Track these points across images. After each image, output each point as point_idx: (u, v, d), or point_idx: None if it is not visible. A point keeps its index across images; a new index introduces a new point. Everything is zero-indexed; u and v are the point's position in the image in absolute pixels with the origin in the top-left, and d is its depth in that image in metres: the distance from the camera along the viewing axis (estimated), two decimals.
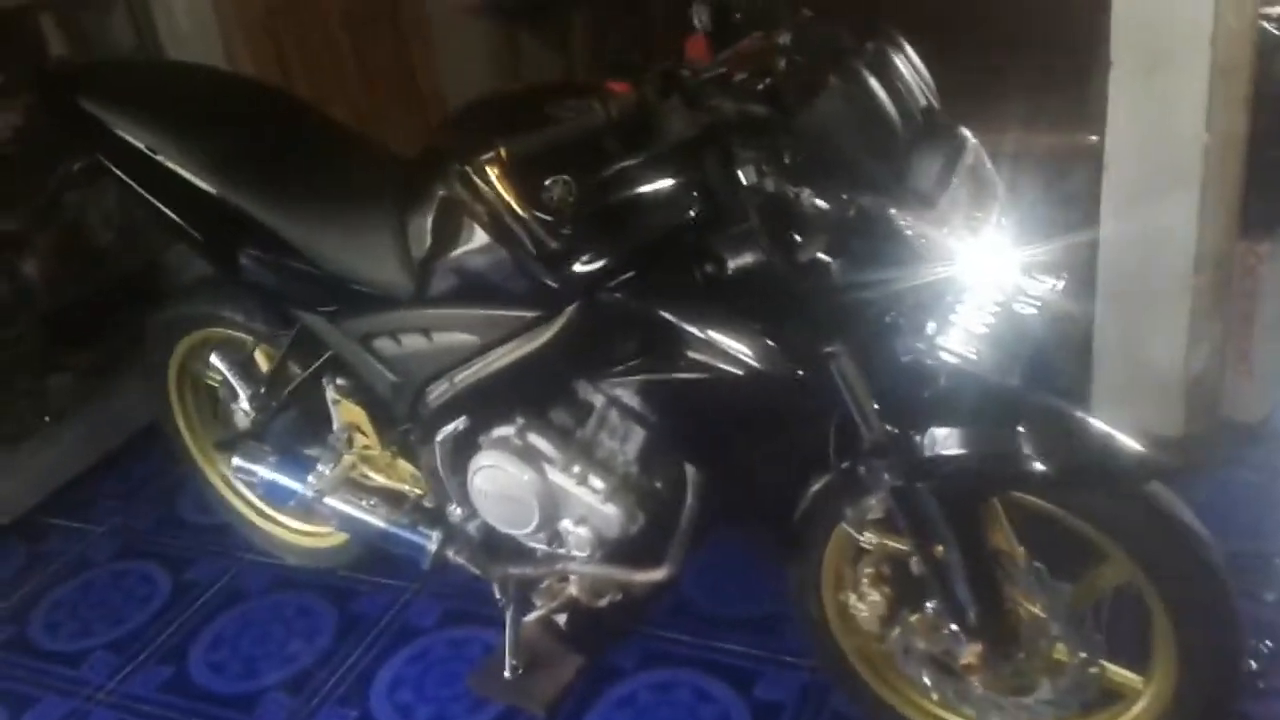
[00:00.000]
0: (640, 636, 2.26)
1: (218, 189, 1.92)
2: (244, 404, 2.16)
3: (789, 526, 1.80)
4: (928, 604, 1.70)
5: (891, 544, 1.72)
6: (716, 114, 1.41)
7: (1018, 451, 1.51)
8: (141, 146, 1.97)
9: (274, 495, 2.13)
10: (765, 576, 2.27)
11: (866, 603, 1.74)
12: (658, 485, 1.86)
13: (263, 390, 2.12)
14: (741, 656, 2.18)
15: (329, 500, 2.07)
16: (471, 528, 1.99)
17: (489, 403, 1.86)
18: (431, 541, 2.04)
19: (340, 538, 2.38)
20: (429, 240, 1.75)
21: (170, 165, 1.95)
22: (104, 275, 3.08)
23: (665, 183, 1.50)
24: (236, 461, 2.13)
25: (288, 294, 1.97)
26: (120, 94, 2.05)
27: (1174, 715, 1.67)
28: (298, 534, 2.47)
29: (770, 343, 1.54)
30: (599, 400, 1.82)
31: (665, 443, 1.76)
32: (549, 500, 1.85)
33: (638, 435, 1.81)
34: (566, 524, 1.87)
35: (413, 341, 1.87)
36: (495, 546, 2.03)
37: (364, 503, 2.07)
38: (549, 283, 1.62)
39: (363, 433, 2.04)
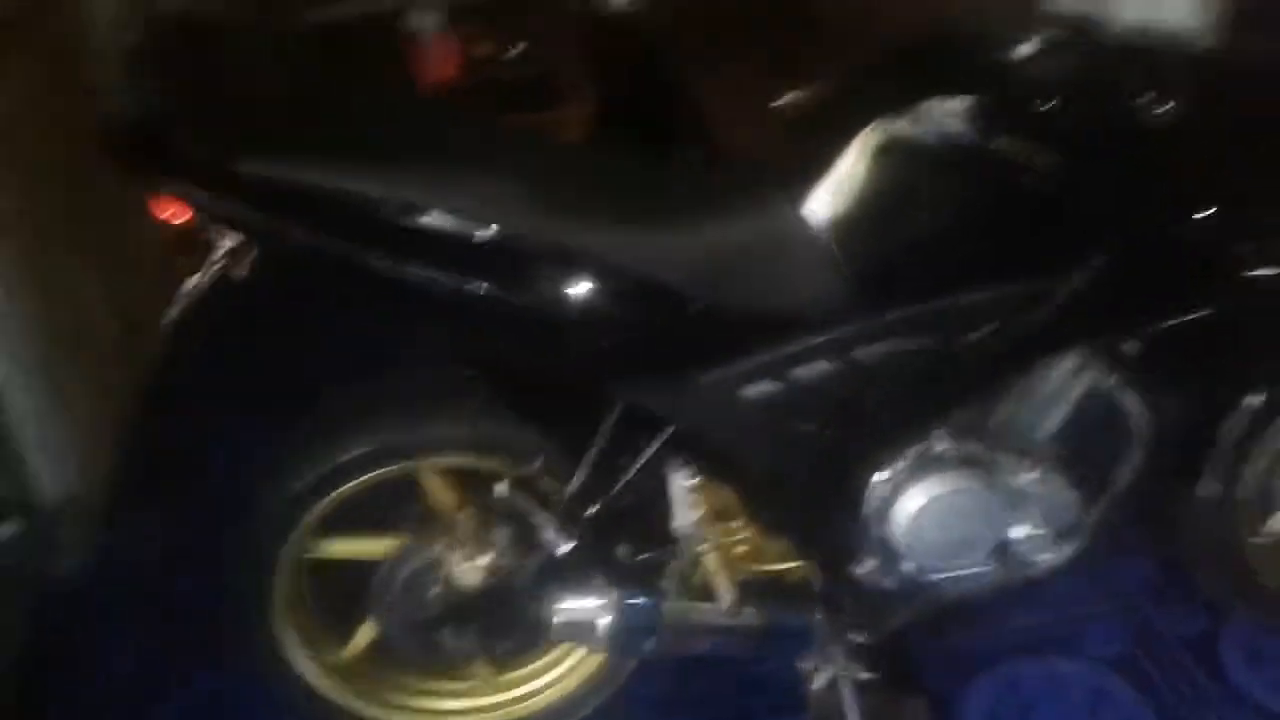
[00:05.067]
0: (919, 653, 1.99)
1: (538, 240, 1.32)
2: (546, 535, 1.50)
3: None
4: None
5: None
6: None
7: None
8: (377, 202, 1.28)
9: (628, 646, 1.53)
10: None
11: None
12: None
13: (563, 510, 1.51)
14: (1038, 628, 2.03)
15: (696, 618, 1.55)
16: (885, 581, 1.63)
17: (939, 415, 1.53)
18: (818, 619, 1.64)
19: (576, 678, 1.79)
20: (877, 229, 1.40)
21: (432, 223, 1.30)
22: None
23: None
24: (561, 621, 1.48)
25: (648, 363, 1.42)
26: (298, 141, 1.31)
27: None
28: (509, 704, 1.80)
29: None
30: (1021, 378, 1.59)
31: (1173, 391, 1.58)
32: (1008, 510, 1.58)
33: (1063, 403, 1.61)
34: (1024, 529, 1.61)
35: (813, 373, 1.48)
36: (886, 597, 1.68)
37: (743, 604, 1.58)
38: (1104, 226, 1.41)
39: (727, 517, 1.55)
